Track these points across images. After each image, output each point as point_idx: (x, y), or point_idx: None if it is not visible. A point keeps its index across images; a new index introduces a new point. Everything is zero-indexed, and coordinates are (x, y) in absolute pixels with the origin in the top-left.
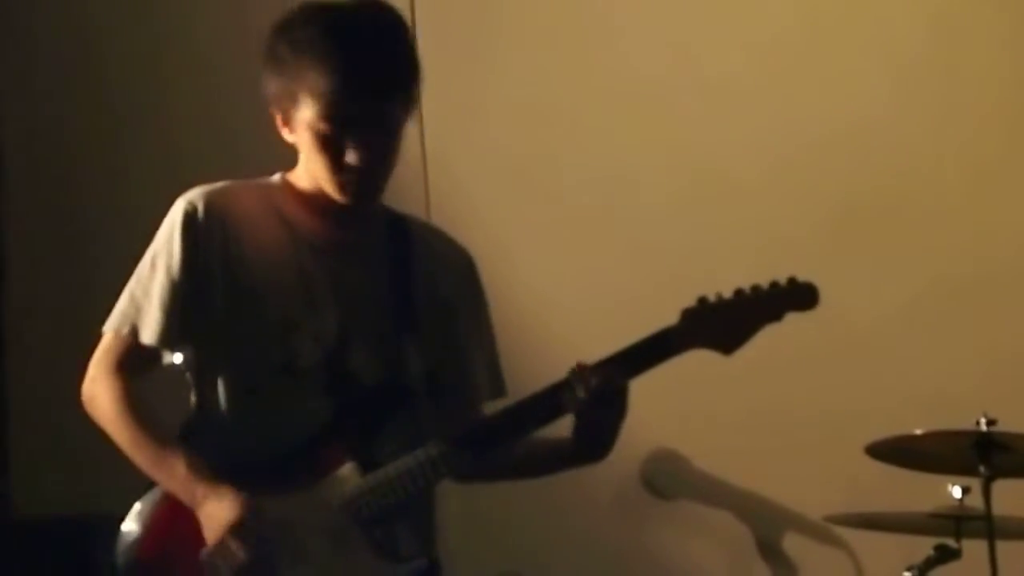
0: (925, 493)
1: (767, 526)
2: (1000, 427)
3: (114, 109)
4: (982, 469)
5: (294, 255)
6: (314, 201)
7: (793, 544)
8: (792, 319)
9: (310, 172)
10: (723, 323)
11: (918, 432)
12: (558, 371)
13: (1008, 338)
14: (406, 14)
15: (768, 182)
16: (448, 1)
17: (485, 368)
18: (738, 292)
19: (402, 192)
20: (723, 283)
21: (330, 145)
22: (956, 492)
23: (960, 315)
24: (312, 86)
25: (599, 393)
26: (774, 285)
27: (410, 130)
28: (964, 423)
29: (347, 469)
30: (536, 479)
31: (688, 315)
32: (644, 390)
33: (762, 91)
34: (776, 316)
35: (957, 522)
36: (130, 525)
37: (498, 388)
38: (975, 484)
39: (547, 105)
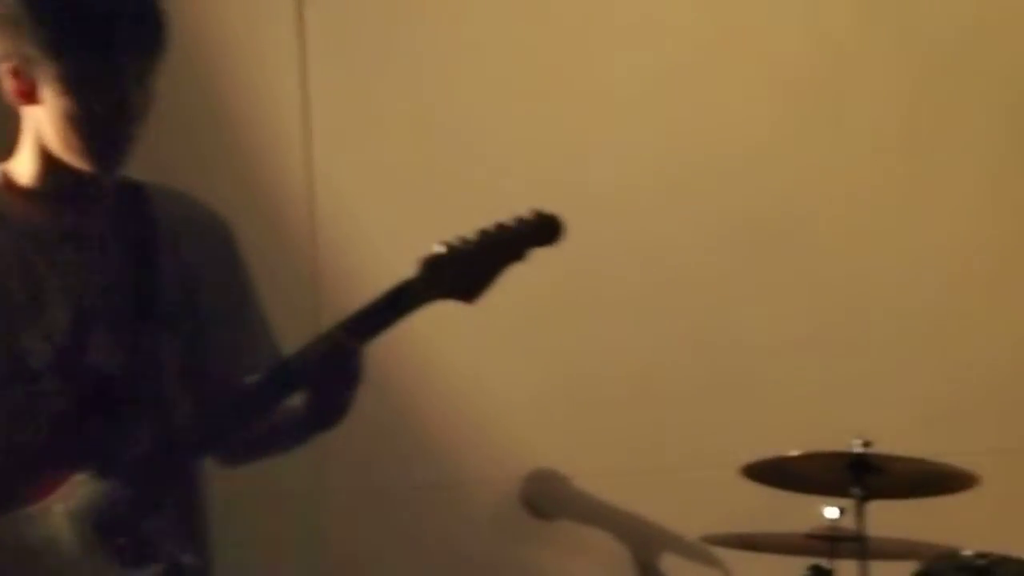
0: (801, 514)
1: (645, 546)
2: (875, 449)
3: None
4: (856, 490)
5: (14, 253)
6: (35, 190)
7: (671, 564)
8: (674, 344)
9: (38, 149)
10: (464, 269)
11: (794, 453)
12: (443, 392)
13: (884, 360)
14: (294, 31)
15: (660, 204)
16: (338, 18)
17: (248, 337)
18: (482, 232)
19: (285, 210)
20: (617, 301)
21: (77, 109)
22: (830, 513)
23: (837, 337)
24: (52, 46)
25: (328, 358)
26: (518, 219)
27: (296, 147)
28: (840, 445)
29: (86, 474)
30: (287, 450)
31: (427, 264)
32: (526, 410)
33: (656, 111)
34: (517, 255)
35: (831, 543)
36: None
37: (266, 358)
38: (850, 505)
39: (441, 124)
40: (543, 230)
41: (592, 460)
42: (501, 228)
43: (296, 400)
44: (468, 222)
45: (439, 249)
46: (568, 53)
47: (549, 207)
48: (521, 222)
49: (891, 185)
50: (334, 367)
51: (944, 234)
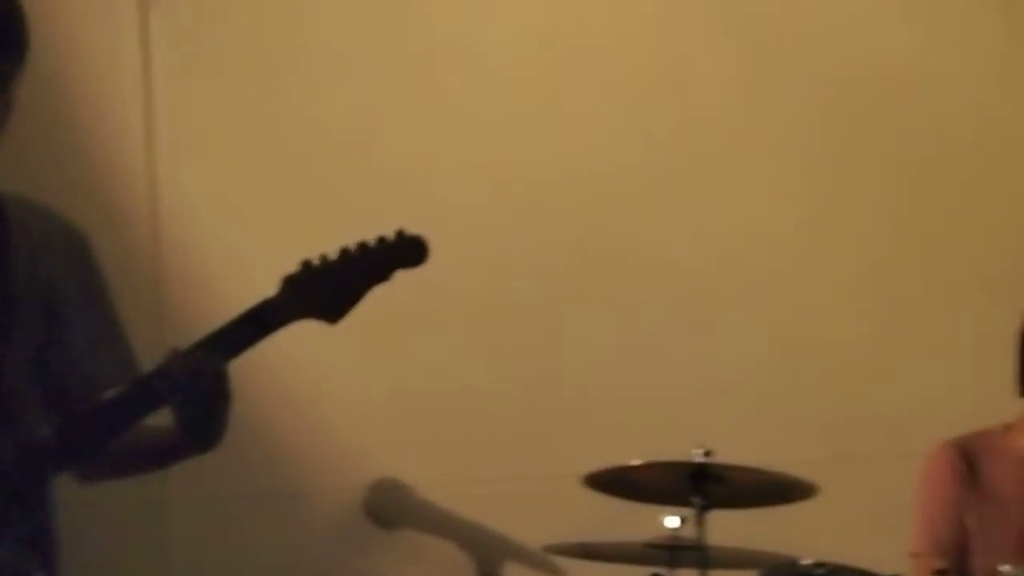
0: (641, 523)
1: (488, 556)
2: (715, 458)
3: None
4: (696, 500)
5: None
6: None
7: (513, 574)
8: (517, 356)
9: None
10: (327, 289)
11: (634, 463)
12: (286, 401)
13: (724, 370)
14: (137, 34)
15: (502, 220)
16: (183, 22)
17: (104, 352)
18: (344, 251)
19: (128, 210)
20: (460, 313)
21: None
22: (670, 522)
23: (677, 347)
24: None
25: (191, 379)
26: (381, 240)
27: (139, 148)
28: (680, 454)
29: None
30: (156, 471)
31: (289, 283)
32: (369, 419)
33: (504, 131)
34: (383, 276)
35: (671, 552)
36: None
37: (125, 372)
38: (691, 514)
39: (286, 129)
40: (407, 251)
41: (435, 470)
42: (363, 248)
43: (167, 420)
44: (310, 223)
45: (300, 268)
46: (422, 68)
47: (392, 219)
48: (384, 243)
49: (730, 200)
50: (196, 386)
51: (781, 244)
